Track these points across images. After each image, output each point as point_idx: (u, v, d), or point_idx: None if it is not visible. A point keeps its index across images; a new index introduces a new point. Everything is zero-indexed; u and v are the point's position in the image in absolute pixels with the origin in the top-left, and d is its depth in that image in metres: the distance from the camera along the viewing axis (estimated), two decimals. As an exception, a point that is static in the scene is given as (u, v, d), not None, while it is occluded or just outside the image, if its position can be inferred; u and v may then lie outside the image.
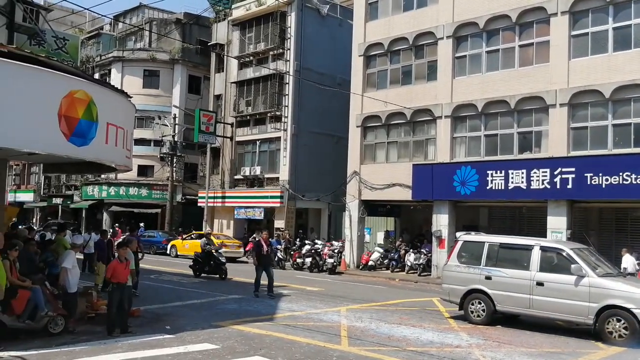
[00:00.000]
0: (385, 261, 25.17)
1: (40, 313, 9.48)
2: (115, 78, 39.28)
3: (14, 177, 50.27)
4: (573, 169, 19.03)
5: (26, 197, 48.70)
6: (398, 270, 24.40)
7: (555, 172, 19.36)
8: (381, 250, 25.68)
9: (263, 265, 15.87)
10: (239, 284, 18.43)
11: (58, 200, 46.09)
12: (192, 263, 20.71)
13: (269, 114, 32.04)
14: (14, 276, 9.28)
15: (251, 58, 33.34)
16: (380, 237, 28.32)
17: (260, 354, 8.89)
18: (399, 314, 13.45)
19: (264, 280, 15.79)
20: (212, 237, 23.09)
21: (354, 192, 25.84)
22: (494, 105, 21.48)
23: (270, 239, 19.27)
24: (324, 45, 31.66)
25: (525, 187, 20.05)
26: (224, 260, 20.05)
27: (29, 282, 9.59)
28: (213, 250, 20.27)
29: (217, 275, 19.64)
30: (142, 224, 26.87)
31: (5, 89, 8.55)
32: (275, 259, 25.40)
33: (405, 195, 23.73)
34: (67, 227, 14.67)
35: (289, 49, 31.21)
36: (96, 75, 37.91)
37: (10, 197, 41.68)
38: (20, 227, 16.75)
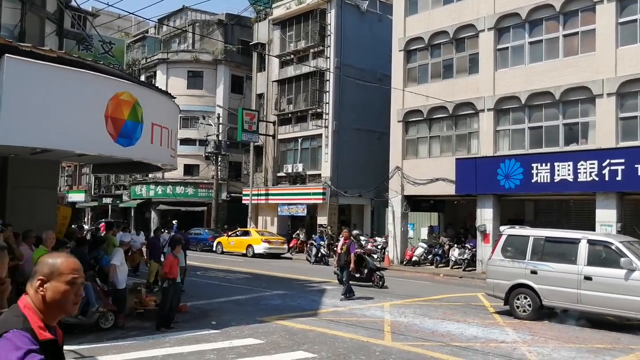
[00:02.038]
0: (429, 256, 24.96)
1: (92, 309, 9.82)
2: (160, 80, 40.14)
3: (66, 178, 52.10)
4: (622, 160, 18.45)
5: (78, 197, 50.35)
6: (442, 265, 24.18)
7: (604, 164, 18.81)
8: (425, 246, 25.48)
9: (340, 265, 14.98)
10: (284, 280, 18.62)
11: (108, 200, 47.48)
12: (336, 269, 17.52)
13: (310, 111, 32.20)
14: (67, 273, 9.64)
15: (292, 56, 33.55)
16: (423, 233, 28.10)
17: (303, 349, 8.99)
18: (443, 309, 13.36)
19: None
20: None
21: (396, 188, 25.71)
22: (538, 96, 21.01)
23: (351, 237, 16.47)
24: (364, 41, 31.57)
25: (572, 180, 19.55)
26: (379, 265, 17.74)
27: (80, 279, 9.95)
28: (365, 254, 17.70)
29: (371, 283, 17.04)
30: (175, 222, 27.32)
31: (56, 93, 8.90)
32: (319, 255, 25.57)
33: (449, 189, 23.48)
34: (114, 226, 15.11)
35: (329, 46, 31.27)
36: (142, 78, 38.82)
37: (63, 198, 43.18)
38: (72, 226, 17.37)
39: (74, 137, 9.23)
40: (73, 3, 15.65)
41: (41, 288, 2.27)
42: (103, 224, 32.70)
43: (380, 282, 17.01)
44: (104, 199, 48.10)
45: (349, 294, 14.56)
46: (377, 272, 17.17)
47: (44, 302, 2.27)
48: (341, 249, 15.14)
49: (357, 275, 16.95)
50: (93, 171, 38.00)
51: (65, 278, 2.29)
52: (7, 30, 11.99)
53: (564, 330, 11.21)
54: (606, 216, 18.90)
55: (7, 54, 8.15)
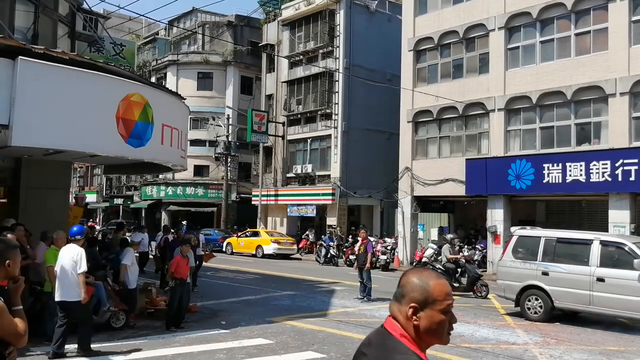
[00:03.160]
0: (439, 257, 24.83)
1: (103, 308, 9.88)
2: (170, 81, 40.31)
3: (78, 179, 52.48)
4: (636, 160, 18.28)
5: (90, 197, 50.63)
6: (453, 266, 24.04)
7: (617, 164, 18.66)
8: (435, 247, 25.26)
9: (359, 266, 14.69)
10: (297, 281, 18.63)
11: (119, 201, 47.78)
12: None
13: (319, 112, 32.20)
14: (78, 273, 9.70)
15: (301, 57, 33.57)
16: (433, 234, 27.98)
17: (313, 349, 8.99)
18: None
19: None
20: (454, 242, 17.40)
21: (406, 188, 25.65)
22: (550, 96, 20.88)
23: (369, 238, 15.99)
24: (373, 41, 31.53)
25: (584, 180, 19.41)
26: (480, 273, 16.01)
27: (92, 278, 10.00)
28: (462, 260, 16.27)
29: (472, 293, 15.59)
30: (184, 222, 27.55)
31: (68, 94, 8.95)
32: (328, 256, 25.54)
33: (459, 190, 23.39)
34: (124, 226, 15.20)
35: (338, 47, 31.27)
36: (152, 79, 38.97)
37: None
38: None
39: (86, 138, 9.28)
40: (85, 6, 15.76)
41: (414, 317, 2.00)
42: (91, 222, 33.58)
43: (485, 292, 15.46)
44: (115, 199, 48.40)
45: (368, 296, 14.50)
46: (478, 281, 15.62)
47: (417, 332, 2.01)
48: (359, 249, 15.09)
49: (456, 285, 15.68)
50: (104, 172, 38.32)
51: (440, 306, 2.01)
52: (20, 32, 12.08)
53: (575, 332, 11.13)
54: (619, 217, 18.74)
55: (20, 56, 8.22)
